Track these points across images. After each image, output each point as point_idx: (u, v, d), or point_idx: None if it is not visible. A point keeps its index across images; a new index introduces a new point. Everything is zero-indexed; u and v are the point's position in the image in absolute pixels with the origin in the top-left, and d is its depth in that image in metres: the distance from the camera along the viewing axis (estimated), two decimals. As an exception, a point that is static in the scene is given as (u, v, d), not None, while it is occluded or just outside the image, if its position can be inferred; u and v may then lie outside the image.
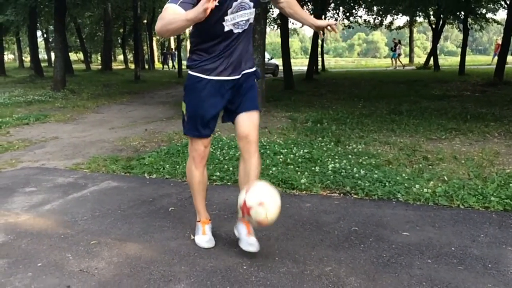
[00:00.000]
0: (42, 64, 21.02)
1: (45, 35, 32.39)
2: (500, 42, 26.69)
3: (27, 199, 3.50)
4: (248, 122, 2.41)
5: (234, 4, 2.23)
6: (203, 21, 2.12)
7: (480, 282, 2.12)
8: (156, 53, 33.22)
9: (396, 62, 25.56)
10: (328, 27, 2.51)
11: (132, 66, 30.30)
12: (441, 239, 2.60)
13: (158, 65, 32.27)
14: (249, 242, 2.40)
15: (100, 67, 27.85)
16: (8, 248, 2.58)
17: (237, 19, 2.27)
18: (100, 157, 4.88)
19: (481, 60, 26.92)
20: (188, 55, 2.55)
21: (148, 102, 10.95)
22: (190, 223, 2.89)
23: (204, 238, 2.56)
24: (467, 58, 18.98)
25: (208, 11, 1.90)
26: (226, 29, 2.27)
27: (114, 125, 7.33)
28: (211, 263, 2.35)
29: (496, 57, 25.27)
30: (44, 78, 17.05)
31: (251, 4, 2.30)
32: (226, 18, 2.24)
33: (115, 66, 28.98)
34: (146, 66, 27.49)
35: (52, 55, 34.74)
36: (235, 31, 2.30)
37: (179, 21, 2.00)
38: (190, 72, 2.41)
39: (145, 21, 24.21)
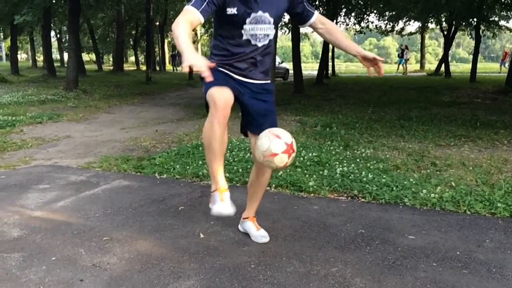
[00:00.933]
0: (55, 64, 21.26)
1: (58, 35, 32.75)
2: (507, 50, 26.72)
3: (40, 195, 3.59)
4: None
5: (253, 15, 2.31)
6: (225, 28, 2.34)
7: (484, 286, 2.15)
8: (167, 55, 33.44)
9: (405, 68, 25.48)
10: (374, 61, 2.46)
11: (143, 67, 30.60)
12: (446, 243, 2.63)
13: (169, 67, 32.50)
14: (261, 235, 2.66)
15: (111, 68, 28.14)
16: (23, 242, 2.66)
17: (256, 31, 2.35)
18: (111, 156, 4.97)
19: (493, 68, 26.77)
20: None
21: (159, 103, 11.06)
22: (199, 222, 2.96)
23: (223, 204, 2.29)
24: (479, 65, 18.91)
25: (185, 70, 1.94)
26: (245, 37, 2.35)
27: (125, 126, 7.43)
28: (220, 261, 2.40)
29: (504, 65, 25.31)
30: (56, 78, 17.27)
31: (271, 20, 2.36)
32: (244, 27, 2.33)
33: (127, 67, 29.21)
34: (158, 68, 27.68)
35: (65, 55, 35.17)
36: (253, 42, 2.37)
37: (178, 43, 2.03)
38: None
39: (157, 23, 24.41)
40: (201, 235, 2.75)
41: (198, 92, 14.58)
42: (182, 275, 2.26)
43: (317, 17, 2.50)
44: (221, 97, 2.22)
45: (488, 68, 27.10)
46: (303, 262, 2.39)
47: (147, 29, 18.75)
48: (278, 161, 2.29)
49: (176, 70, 30.61)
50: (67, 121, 7.85)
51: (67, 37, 13.15)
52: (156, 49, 28.36)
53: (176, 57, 32.33)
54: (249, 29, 2.34)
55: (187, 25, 2.12)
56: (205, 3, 2.19)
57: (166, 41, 31.25)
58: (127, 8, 23.04)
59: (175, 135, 6.28)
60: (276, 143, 2.29)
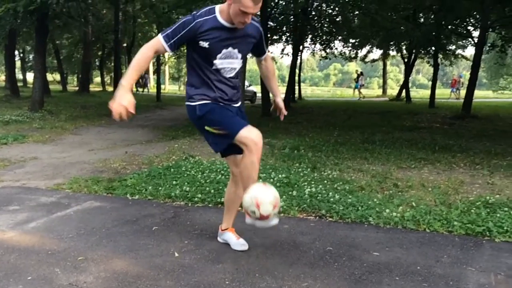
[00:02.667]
0: (18, 84, 20.78)
1: (21, 55, 32.08)
2: (456, 78, 28.35)
3: (11, 217, 3.57)
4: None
5: (224, 51, 2.56)
6: (197, 60, 2.59)
7: (442, 298, 2.33)
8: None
9: (360, 93, 26.41)
10: (278, 110, 2.99)
11: (110, 88, 30.30)
12: (408, 259, 2.81)
13: (135, 88, 32.31)
14: (241, 243, 2.91)
15: (76, 88, 27.73)
16: (-3, 262, 2.66)
17: (225, 65, 2.60)
18: (81, 178, 4.96)
19: (456, 94, 28.07)
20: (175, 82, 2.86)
21: (127, 125, 11.00)
22: (173, 241, 3.04)
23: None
24: (437, 91, 19.79)
25: (114, 112, 2.38)
26: (214, 68, 2.60)
27: (94, 147, 7.39)
28: (195, 278, 2.49)
29: (454, 92, 26.82)
30: (20, 98, 16.90)
31: (239, 55, 2.63)
32: (215, 62, 2.57)
33: (92, 88, 28.84)
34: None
35: (28, 75, 34.45)
36: (223, 74, 2.62)
37: (130, 66, 2.48)
38: (195, 103, 2.63)
39: (125, 44, 24.37)
40: (176, 254, 2.82)
41: (166, 114, 14.61)
42: (159, 292, 2.33)
43: (266, 55, 2.91)
44: (258, 136, 2.58)
45: (446, 94, 28.36)
46: (275, 278, 2.51)
47: (115, 50, 18.72)
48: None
49: (143, 91, 30.53)
50: (33, 142, 7.74)
51: (33, 58, 12.95)
52: (123, 70, 28.17)
53: (141, 79, 32.30)
54: (219, 64, 2.58)
55: (151, 55, 2.51)
56: (173, 40, 2.49)
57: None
58: (94, 29, 22.93)
59: (145, 156, 6.31)
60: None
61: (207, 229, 3.30)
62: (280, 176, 4.70)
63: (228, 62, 2.60)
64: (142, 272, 2.56)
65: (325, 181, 4.62)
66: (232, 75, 2.67)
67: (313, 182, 4.53)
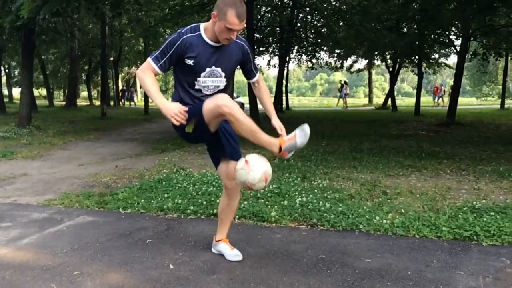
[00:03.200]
0: (4, 100, 20.62)
1: (7, 70, 31.87)
2: (438, 85, 29.08)
3: (4, 233, 3.57)
4: (232, 166, 2.77)
5: (208, 70, 2.61)
6: (180, 76, 2.67)
7: (433, 301, 2.39)
8: (120, 90, 33.24)
9: (344, 102, 26.90)
10: (278, 129, 2.91)
11: (97, 102, 30.21)
12: (399, 264, 2.88)
13: (127, 102, 32.30)
14: (235, 254, 2.94)
15: (63, 103, 27.61)
16: (-8, 279, 2.67)
17: (208, 83, 2.65)
18: (72, 193, 4.96)
19: (441, 102, 28.56)
20: None
21: (116, 139, 11.01)
22: (168, 254, 3.06)
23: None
24: (422, 99, 20.11)
25: (174, 121, 2.42)
26: (197, 87, 2.65)
27: (83, 162, 7.38)
28: (191, 290, 2.52)
29: (436, 99, 27.45)
30: (7, 114, 16.79)
31: (223, 74, 2.67)
32: (198, 79, 2.62)
33: (79, 102, 28.73)
34: (112, 103, 27.43)
35: (14, 90, 34.20)
36: (204, 91, 2.67)
37: (149, 92, 2.54)
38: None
39: (111, 58, 24.38)
40: (171, 266, 2.85)
41: (154, 127, 14.61)
42: (156, 304, 2.36)
43: (257, 78, 2.93)
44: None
45: (431, 102, 28.78)
46: (270, 287, 2.55)
47: (102, 64, 18.71)
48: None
49: (124, 104, 30.57)
50: (22, 158, 7.70)
51: (20, 73, 12.90)
52: (110, 84, 28.16)
53: (126, 92, 32.35)
54: (202, 82, 2.63)
55: (152, 75, 2.57)
56: (163, 61, 2.57)
57: (120, 76, 31.11)
58: (81, 43, 22.92)
59: (135, 170, 6.32)
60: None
61: (201, 241, 3.34)
62: (271, 186, 4.75)
63: (211, 80, 2.64)
64: (138, 285, 2.58)
65: (316, 190, 4.69)
66: (215, 91, 2.68)
67: (303, 192, 4.59)
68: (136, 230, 3.63)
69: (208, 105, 2.50)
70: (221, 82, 2.69)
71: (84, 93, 40.34)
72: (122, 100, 31.74)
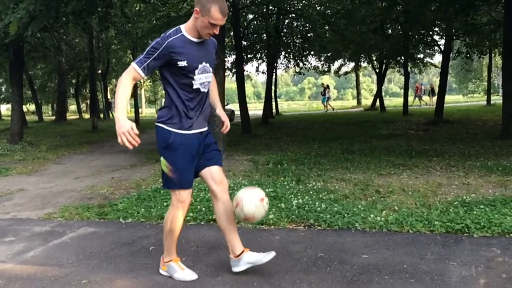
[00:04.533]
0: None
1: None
2: (418, 85, 29.75)
3: (8, 248, 3.63)
4: (219, 171, 2.81)
5: (200, 66, 2.67)
6: (177, 80, 2.65)
7: (428, 291, 2.52)
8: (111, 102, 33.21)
9: (327, 106, 27.41)
10: (223, 123, 3.02)
11: (86, 115, 30.15)
12: (394, 259, 3.00)
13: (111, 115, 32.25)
14: (268, 252, 2.79)
15: (52, 117, 27.51)
16: (3, 292, 2.74)
17: (203, 80, 2.71)
18: (71, 205, 5.03)
19: (422, 101, 28.96)
20: (156, 107, 2.91)
21: (109, 151, 11.05)
22: (172, 259, 3.15)
23: (186, 272, 2.84)
24: (410, 98, 20.40)
25: (120, 139, 2.41)
26: (195, 87, 2.68)
27: (79, 175, 7.43)
28: (197, 292, 2.62)
29: (417, 98, 28.02)
30: (-4, 131, 16.73)
31: (210, 69, 2.76)
32: (195, 77, 2.66)
33: (68, 116, 28.65)
34: (101, 116, 27.39)
35: (1, 107, 33.96)
36: (202, 90, 2.72)
37: (118, 98, 2.54)
38: (171, 129, 2.66)
39: (99, 71, 24.38)
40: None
41: (146, 138, 14.54)
42: (165, 306, 2.46)
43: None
44: (189, 196, 2.75)
45: (417, 101, 29.22)
46: (273, 286, 2.66)
47: (91, 77, 18.74)
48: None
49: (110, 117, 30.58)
50: (17, 174, 7.73)
51: (11, 90, 12.89)
52: (99, 97, 28.13)
53: (112, 104, 32.37)
54: (198, 79, 2.67)
55: (130, 83, 2.58)
56: (147, 63, 2.57)
57: (109, 88, 31.09)
58: (68, 57, 22.91)
59: (131, 181, 6.39)
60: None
61: (203, 246, 3.43)
62: (267, 190, 4.86)
63: (205, 76, 2.70)
64: (146, 290, 2.67)
65: (311, 192, 4.81)
66: (207, 90, 2.76)
67: (299, 194, 4.71)
68: (138, 238, 3.71)
69: (183, 196, 2.72)
70: (211, 77, 2.78)
71: (73, 107, 40.21)
72: (111, 113, 31.74)
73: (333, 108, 27.45)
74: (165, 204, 4.58)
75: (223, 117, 3.04)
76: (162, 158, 2.71)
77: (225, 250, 3.19)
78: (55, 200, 5.51)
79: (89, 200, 5.35)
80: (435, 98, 26.88)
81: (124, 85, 2.54)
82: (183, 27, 2.64)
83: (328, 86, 28.23)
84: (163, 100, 2.91)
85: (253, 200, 2.65)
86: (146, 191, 5.38)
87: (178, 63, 2.58)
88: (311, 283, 2.68)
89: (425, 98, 29.31)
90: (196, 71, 2.64)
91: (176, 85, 2.66)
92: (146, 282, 2.79)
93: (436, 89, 20.17)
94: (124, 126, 2.38)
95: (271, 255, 2.74)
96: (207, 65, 2.71)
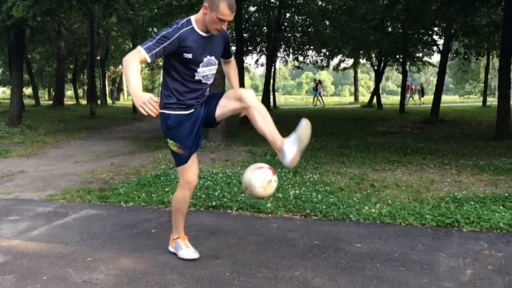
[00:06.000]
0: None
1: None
2: (409, 84, 29.96)
3: (13, 226, 3.74)
4: (226, 95, 2.85)
5: (205, 60, 2.77)
6: (180, 69, 2.74)
7: (418, 279, 2.65)
8: (107, 89, 33.18)
9: (317, 101, 27.70)
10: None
11: (83, 101, 30.12)
12: (386, 248, 3.14)
13: (109, 101, 32.24)
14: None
15: (49, 102, 27.48)
16: (11, 266, 2.86)
17: (206, 72, 2.81)
18: (72, 188, 5.13)
19: (412, 100, 29.14)
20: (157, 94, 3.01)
21: (107, 137, 11.14)
22: (173, 242, 3.28)
23: (190, 250, 2.98)
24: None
25: (141, 110, 2.42)
26: (197, 78, 2.79)
27: (78, 159, 7.52)
28: (198, 272, 2.75)
29: (408, 97, 28.17)
30: (-6, 113, 16.74)
31: (216, 61, 2.86)
32: (198, 70, 2.76)
33: (65, 101, 28.61)
34: (99, 102, 27.39)
35: (-2, 89, 33.81)
36: (203, 81, 2.83)
37: (128, 78, 2.53)
38: (170, 112, 2.79)
39: (98, 57, 24.35)
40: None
41: (144, 125, 14.72)
42: (167, 284, 2.58)
43: (233, 57, 3.09)
44: (193, 177, 2.90)
45: (415, 99, 29.36)
46: (270, 269, 2.79)
47: (91, 63, 18.74)
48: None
49: (112, 103, 30.59)
50: (17, 156, 7.81)
51: (11, 73, 12.91)
52: (97, 83, 28.12)
53: (114, 91, 32.40)
54: (201, 72, 2.78)
55: (138, 62, 2.57)
56: (155, 51, 2.60)
57: (107, 75, 31.06)
58: (68, 42, 22.87)
59: (131, 167, 6.49)
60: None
61: (203, 230, 3.56)
62: (265, 180, 4.98)
63: (209, 69, 2.81)
64: (149, 269, 2.80)
65: (307, 184, 4.94)
66: (211, 81, 2.88)
67: (296, 185, 4.84)
68: (140, 221, 3.83)
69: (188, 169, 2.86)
70: (215, 69, 2.87)
71: (69, 92, 40.10)
72: (113, 100, 31.82)
73: (323, 104, 27.67)
74: (166, 189, 4.70)
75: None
76: (168, 140, 2.85)
77: (224, 234, 3.36)
78: (56, 182, 5.61)
79: (90, 184, 5.46)
80: (424, 98, 27.23)
81: (132, 64, 2.54)
82: (193, 18, 2.72)
83: (320, 81, 28.55)
84: (160, 88, 3.01)
85: (262, 183, 2.70)
86: (146, 177, 5.48)
87: (184, 54, 2.66)
88: (306, 268, 2.81)
89: (416, 97, 29.45)
90: (201, 64, 2.74)
91: (177, 75, 2.76)
92: (149, 262, 2.92)
93: (433, 89, 20.34)
94: (143, 97, 2.41)
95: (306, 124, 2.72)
96: (212, 57, 2.80)
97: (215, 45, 2.80)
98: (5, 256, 3.03)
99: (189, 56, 2.68)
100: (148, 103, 2.40)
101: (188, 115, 2.83)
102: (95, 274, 2.72)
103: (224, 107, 2.83)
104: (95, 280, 2.63)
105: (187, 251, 2.97)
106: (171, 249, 3.07)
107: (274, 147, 2.76)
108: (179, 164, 2.90)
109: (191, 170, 2.88)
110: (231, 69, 3.11)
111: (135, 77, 2.52)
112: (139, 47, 2.63)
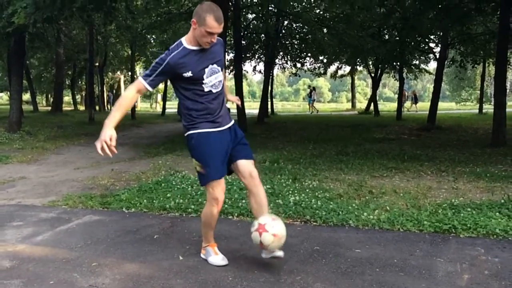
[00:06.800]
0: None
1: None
2: (404, 92, 30.16)
3: (17, 231, 3.79)
4: (248, 163, 2.96)
5: (207, 70, 2.83)
6: (188, 87, 2.83)
7: (416, 283, 2.72)
8: (105, 95, 33.24)
9: (311, 107, 27.93)
10: (235, 100, 3.39)
11: (81, 107, 30.15)
12: (386, 254, 3.21)
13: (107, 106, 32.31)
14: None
15: (47, 108, 27.50)
16: (17, 270, 2.91)
17: (213, 81, 2.87)
18: (73, 194, 5.19)
19: (404, 107, 29.32)
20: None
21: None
22: (176, 247, 3.34)
23: (219, 257, 3.04)
24: (404, 104, 20.71)
25: (97, 147, 2.64)
26: (206, 89, 2.85)
27: (79, 166, 7.58)
28: (201, 277, 2.81)
29: (404, 104, 28.29)
30: (-8, 119, 16.77)
31: (219, 68, 2.92)
32: (204, 81, 2.83)
33: (63, 107, 28.64)
34: (97, 108, 27.44)
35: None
36: (214, 91, 2.89)
37: (118, 105, 2.80)
38: (192, 131, 2.87)
39: (97, 64, 24.43)
40: (180, 257, 3.13)
41: (143, 132, 14.81)
42: (172, 289, 2.64)
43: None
44: (221, 193, 2.91)
45: (406, 106, 29.54)
46: (272, 274, 2.85)
47: (89, 69, 18.82)
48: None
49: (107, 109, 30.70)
50: (18, 162, 7.86)
51: (10, 79, 12.96)
52: (96, 90, 28.18)
53: (111, 97, 32.49)
54: (208, 82, 2.84)
55: (134, 95, 2.81)
56: (152, 78, 2.77)
57: (105, 81, 31.15)
58: (67, 48, 22.96)
59: (131, 173, 6.55)
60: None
61: (205, 236, 3.61)
62: (265, 187, 5.03)
63: (214, 77, 2.86)
64: (153, 274, 2.86)
65: (307, 190, 5.01)
66: (220, 88, 2.92)
67: (296, 192, 4.91)
68: (142, 227, 3.89)
69: (214, 187, 2.89)
70: (221, 76, 2.92)
71: (67, 98, 40.12)
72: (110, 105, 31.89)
73: (317, 110, 27.97)
74: (168, 195, 4.76)
75: (233, 99, 3.34)
76: (193, 160, 2.92)
77: (226, 240, 3.43)
78: (57, 188, 5.66)
79: (91, 190, 5.51)
80: (418, 105, 27.37)
81: (127, 96, 2.78)
82: (183, 39, 2.82)
83: (314, 88, 28.94)
84: (159, 95, 3.12)
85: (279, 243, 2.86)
86: (147, 183, 5.55)
87: (184, 74, 2.76)
88: (307, 272, 2.87)
89: (407, 104, 29.57)
90: (204, 76, 2.81)
91: (188, 94, 2.84)
92: (153, 267, 2.97)
93: (430, 96, 20.49)
94: (106, 135, 2.63)
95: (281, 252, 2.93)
96: (214, 65, 2.85)
97: (214, 52, 2.86)
98: (11, 261, 3.09)
99: (189, 74, 2.76)
100: (104, 143, 2.60)
101: (215, 133, 2.87)
102: (100, 278, 2.78)
103: (235, 169, 2.97)
104: (101, 285, 2.68)
105: (216, 258, 3.03)
106: (202, 256, 3.13)
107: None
108: (202, 183, 2.94)
109: (217, 188, 2.89)
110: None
111: (117, 111, 2.75)
112: (139, 77, 2.81)
